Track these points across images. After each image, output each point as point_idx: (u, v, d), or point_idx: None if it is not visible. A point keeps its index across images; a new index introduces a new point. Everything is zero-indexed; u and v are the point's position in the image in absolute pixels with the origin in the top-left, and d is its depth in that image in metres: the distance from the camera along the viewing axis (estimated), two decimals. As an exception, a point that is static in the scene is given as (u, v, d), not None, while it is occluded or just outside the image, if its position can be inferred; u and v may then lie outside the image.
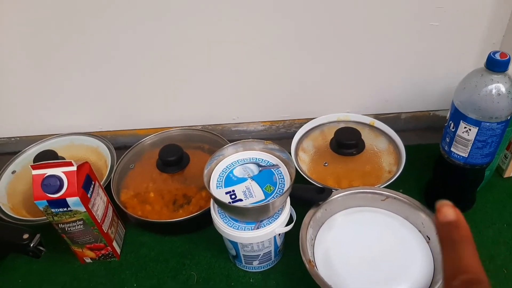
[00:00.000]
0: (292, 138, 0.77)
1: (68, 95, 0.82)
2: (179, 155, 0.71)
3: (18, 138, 0.88)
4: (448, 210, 0.34)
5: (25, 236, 0.58)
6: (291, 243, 0.63)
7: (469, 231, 0.34)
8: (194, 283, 0.63)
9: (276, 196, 0.56)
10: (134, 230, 0.72)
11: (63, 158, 0.75)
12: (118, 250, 0.67)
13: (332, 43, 0.74)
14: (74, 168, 0.56)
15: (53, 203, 0.57)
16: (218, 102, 0.84)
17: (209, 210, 0.66)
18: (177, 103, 0.84)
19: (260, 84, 0.81)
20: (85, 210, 0.58)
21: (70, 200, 0.56)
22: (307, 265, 0.55)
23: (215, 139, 0.80)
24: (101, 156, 0.79)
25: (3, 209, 0.70)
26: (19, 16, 0.70)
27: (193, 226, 0.69)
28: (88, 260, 0.67)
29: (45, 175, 0.56)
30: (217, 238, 0.68)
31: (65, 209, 0.57)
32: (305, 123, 0.81)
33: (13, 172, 0.77)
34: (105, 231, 0.63)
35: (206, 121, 0.86)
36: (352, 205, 0.65)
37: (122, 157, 0.77)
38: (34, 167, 0.56)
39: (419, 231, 0.61)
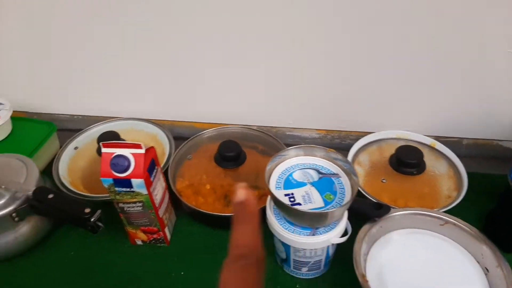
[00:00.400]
0: (345, 150, 0.76)
1: (133, 81, 0.85)
2: (237, 151, 0.72)
3: (80, 117, 0.92)
4: (240, 191, 0.38)
5: (87, 210, 0.60)
6: (339, 255, 0.62)
7: (255, 211, 0.38)
8: (240, 280, 0.63)
9: (336, 206, 0.55)
10: (184, 220, 0.73)
11: (124, 141, 0.78)
12: (169, 237, 0.69)
13: (396, 57, 0.73)
14: (142, 151, 0.58)
15: (118, 182, 0.58)
16: (275, 104, 0.84)
17: (261, 210, 0.66)
18: (235, 101, 0.85)
19: (318, 91, 0.80)
20: (146, 193, 0.60)
21: (134, 181, 0.58)
22: (360, 279, 0.54)
23: (270, 141, 0.81)
24: (159, 144, 0.81)
25: (64, 182, 0.73)
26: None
27: (243, 224, 0.69)
28: (139, 242, 0.69)
29: (114, 154, 0.58)
30: (267, 237, 0.68)
31: (128, 189, 0.59)
32: (361, 136, 0.80)
33: (76, 148, 0.80)
34: (160, 216, 0.64)
35: (261, 122, 0.87)
36: (409, 225, 0.63)
37: (180, 147, 0.78)
38: (104, 145, 0.58)
39: (477, 261, 0.59)
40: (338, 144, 0.86)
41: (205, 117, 0.88)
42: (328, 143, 0.86)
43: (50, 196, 0.62)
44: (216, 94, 0.84)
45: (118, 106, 0.89)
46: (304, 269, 0.62)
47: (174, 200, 0.71)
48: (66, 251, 0.68)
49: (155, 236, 0.67)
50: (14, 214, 0.63)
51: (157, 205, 0.63)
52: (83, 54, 0.82)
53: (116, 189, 0.59)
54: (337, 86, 0.79)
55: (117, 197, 0.60)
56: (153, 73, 0.83)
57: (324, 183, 0.58)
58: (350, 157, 0.75)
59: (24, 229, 0.65)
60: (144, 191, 0.59)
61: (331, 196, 0.57)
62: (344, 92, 0.80)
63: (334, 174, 0.60)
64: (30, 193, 0.63)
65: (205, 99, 0.86)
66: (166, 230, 0.68)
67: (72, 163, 0.78)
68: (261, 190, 0.72)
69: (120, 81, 0.86)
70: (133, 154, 0.58)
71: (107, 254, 0.68)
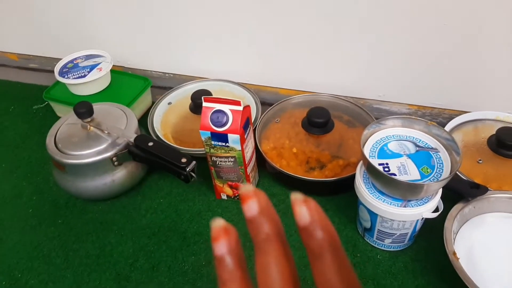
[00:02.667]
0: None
1: (225, 44, 0.86)
2: (326, 118, 0.72)
3: (171, 75, 0.96)
4: (302, 211, 0.23)
5: (183, 160, 0.63)
6: (423, 231, 0.61)
7: (335, 238, 0.23)
8: (320, 243, 0.64)
9: (433, 180, 0.54)
10: (266, 180, 0.75)
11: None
12: (252, 195, 0.71)
13: (505, 33, 0.68)
14: (240, 108, 0.60)
15: (215, 135, 0.61)
16: (367, 75, 0.82)
17: (346, 178, 0.66)
18: (324, 69, 0.84)
19: (414, 63, 0.77)
20: (240, 149, 0.61)
21: (231, 136, 0.60)
22: (450, 257, 0.53)
23: (358, 111, 0.79)
24: (246, 106, 0.82)
25: (158, 134, 0.77)
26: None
27: (326, 190, 0.70)
28: (224, 197, 0.71)
29: (214, 109, 0.60)
30: (347, 207, 0.69)
31: (223, 143, 0.61)
32: (456, 115, 0.76)
33: (169, 103, 0.84)
34: (248, 173, 0.66)
35: (349, 93, 0.85)
36: (503, 209, 0.60)
37: (268, 110, 0.79)
38: (206, 100, 0.61)
39: None
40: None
41: (291, 84, 0.88)
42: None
43: (150, 143, 0.66)
44: (306, 61, 0.84)
45: (208, 66, 0.91)
46: (388, 241, 0.61)
47: (258, 160, 0.72)
48: (155, 198, 0.73)
49: (240, 192, 0.69)
50: (114, 158, 0.68)
51: (246, 162, 0.65)
52: (181, 15, 0.84)
53: (213, 142, 0.62)
54: (435, 60, 0.75)
55: (212, 150, 0.63)
56: (248, 37, 0.84)
57: (422, 156, 0.57)
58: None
59: (121, 174, 0.70)
60: (238, 146, 0.61)
61: (428, 170, 0.55)
62: (442, 67, 0.76)
63: (432, 148, 0.58)
64: (132, 139, 0.67)
65: (293, 66, 0.85)
66: (251, 188, 0.70)
67: (165, 117, 0.82)
68: (345, 160, 0.72)
69: (212, 43, 0.87)
70: (232, 111, 0.60)
71: (194, 205, 0.71)
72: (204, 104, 0.61)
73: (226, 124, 0.60)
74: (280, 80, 0.89)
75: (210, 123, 0.60)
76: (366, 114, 0.78)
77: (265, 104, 0.85)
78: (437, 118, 0.82)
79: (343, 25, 0.76)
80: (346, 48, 0.79)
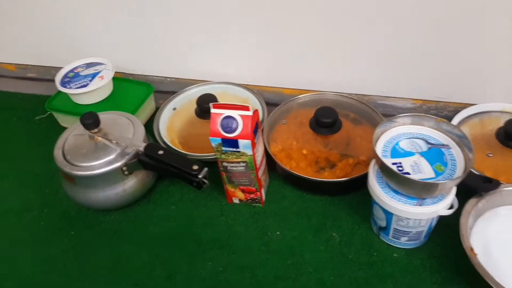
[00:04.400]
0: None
1: (226, 46, 0.86)
2: (334, 118, 0.72)
3: (173, 79, 0.95)
4: None
5: (195, 167, 0.63)
6: (438, 227, 0.61)
7: None
8: (336, 243, 0.65)
9: (447, 177, 0.54)
10: (275, 182, 0.75)
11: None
12: (264, 198, 0.71)
13: (505, 23, 0.68)
14: (250, 113, 0.59)
15: (226, 141, 0.61)
16: (368, 70, 0.82)
17: (358, 177, 0.67)
18: (325, 67, 0.84)
19: (415, 57, 0.77)
20: (251, 153, 0.61)
21: (241, 142, 0.60)
22: (468, 253, 0.53)
23: (363, 108, 0.79)
24: (251, 108, 0.82)
25: (166, 141, 0.76)
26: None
27: (338, 190, 0.70)
28: (236, 201, 0.71)
29: (224, 115, 0.60)
30: (360, 205, 0.69)
31: (234, 149, 0.61)
32: (461, 108, 0.77)
33: (174, 108, 0.84)
34: (260, 177, 0.66)
35: (352, 90, 0.85)
36: (517, 202, 0.61)
37: (274, 111, 0.79)
38: (214, 106, 0.60)
39: None
40: (434, 115, 0.82)
41: (294, 83, 0.88)
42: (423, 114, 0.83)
43: (160, 152, 0.65)
44: (307, 60, 0.83)
45: (209, 68, 0.91)
46: (404, 239, 0.61)
47: (268, 162, 0.72)
48: (167, 205, 0.73)
49: (252, 196, 0.69)
50: (124, 168, 0.67)
51: (258, 166, 0.65)
52: (178, 19, 0.84)
53: (223, 148, 0.62)
54: (436, 52, 0.75)
55: (223, 156, 0.63)
56: (249, 38, 0.83)
57: (434, 153, 0.57)
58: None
59: (132, 182, 0.69)
60: (249, 151, 0.61)
61: (441, 167, 0.55)
62: (444, 60, 0.76)
63: (444, 145, 0.58)
64: (141, 148, 0.67)
65: (295, 65, 0.85)
66: (263, 190, 0.70)
67: (170, 122, 0.82)
68: (354, 159, 0.72)
69: (212, 45, 0.87)
70: (241, 116, 0.60)
71: (206, 210, 0.71)
72: (213, 110, 0.60)
73: (236, 130, 0.59)
74: (283, 80, 0.89)
75: (220, 129, 0.60)
76: (372, 111, 0.78)
77: (269, 104, 0.84)
78: (442, 111, 0.82)
79: (344, 23, 0.76)
80: (347, 45, 0.79)
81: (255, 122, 0.62)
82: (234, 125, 0.59)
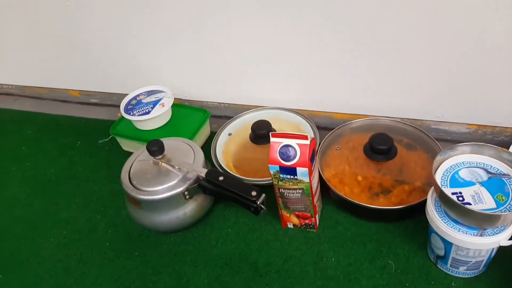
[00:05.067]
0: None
1: (277, 72, 0.89)
2: (390, 145, 0.73)
3: (226, 105, 0.99)
4: None
5: (254, 193, 0.66)
6: (498, 256, 0.60)
7: None
8: (392, 271, 0.65)
9: (510, 208, 0.54)
10: (329, 207, 0.76)
11: (274, 130, 0.82)
12: (317, 223, 0.72)
13: None
14: (307, 142, 0.62)
15: (284, 169, 0.63)
16: (423, 95, 0.82)
17: (415, 204, 0.67)
18: (376, 91, 0.85)
19: (471, 81, 0.76)
20: (308, 181, 0.63)
21: (299, 169, 0.62)
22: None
23: (417, 134, 0.80)
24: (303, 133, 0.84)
25: (223, 166, 0.80)
26: None
27: (394, 216, 0.70)
28: (290, 226, 0.73)
29: (282, 144, 0.62)
30: (416, 233, 0.69)
31: (292, 176, 0.63)
32: (519, 133, 0.75)
33: (229, 134, 0.87)
34: (315, 203, 0.68)
35: (404, 114, 0.86)
36: None
37: (326, 136, 0.81)
38: (273, 135, 0.63)
39: None
40: (490, 140, 0.82)
41: (344, 108, 0.89)
42: (479, 139, 0.82)
43: (221, 178, 0.68)
44: (357, 85, 0.85)
45: (261, 94, 0.94)
46: (462, 268, 0.61)
47: (322, 188, 0.74)
48: (223, 228, 0.76)
49: (307, 221, 0.71)
50: (186, 193, 0.71)
51: (313, 192, 0.66)
52: (232, 49, 0.88)
53: (281, 175, 0.64)
54: (494, 76, 0.74)
55: (280, 183, 0.65)
56: (299, 64, 0.86)
57: (495, 183, 0.57)
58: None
59: (192, 206, 0.73)
60: (306, 179, 0.63)
61: (503, 198, 0.55)
62: (501, 84, 0.75)
63: (505, 174, 0.58)
64: (202, 174, 0.70)
65: (346, 90, 0.87)
66: (317, 216, 0.71)
67: (226, 147, 0.85)
68: (410, 185, 0.72)
69: (264, 71, 0.90)
70: (299, 145, 0.62)
71: (261, 234, 0.73)
72: (272, 139, 0.63)
73: (294, 158, 0.62)
74: (334, 104, 0.90)
75: (279, 157, 0.62)
76: (426, 136, 0.78)
77: (319, 128, 0.86)
78: (499, 136, 0.81)
79: (396, 48, 0.77)
80: (400, 69, 0.80)
81: (312, 150, 0.64)
82: (292, 154, 0.62)
